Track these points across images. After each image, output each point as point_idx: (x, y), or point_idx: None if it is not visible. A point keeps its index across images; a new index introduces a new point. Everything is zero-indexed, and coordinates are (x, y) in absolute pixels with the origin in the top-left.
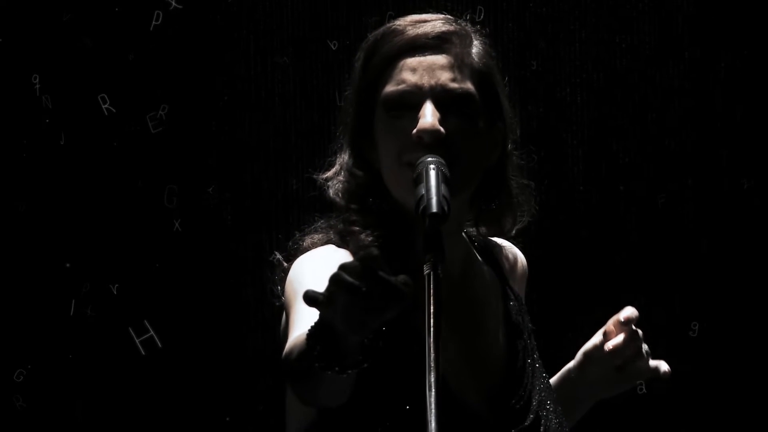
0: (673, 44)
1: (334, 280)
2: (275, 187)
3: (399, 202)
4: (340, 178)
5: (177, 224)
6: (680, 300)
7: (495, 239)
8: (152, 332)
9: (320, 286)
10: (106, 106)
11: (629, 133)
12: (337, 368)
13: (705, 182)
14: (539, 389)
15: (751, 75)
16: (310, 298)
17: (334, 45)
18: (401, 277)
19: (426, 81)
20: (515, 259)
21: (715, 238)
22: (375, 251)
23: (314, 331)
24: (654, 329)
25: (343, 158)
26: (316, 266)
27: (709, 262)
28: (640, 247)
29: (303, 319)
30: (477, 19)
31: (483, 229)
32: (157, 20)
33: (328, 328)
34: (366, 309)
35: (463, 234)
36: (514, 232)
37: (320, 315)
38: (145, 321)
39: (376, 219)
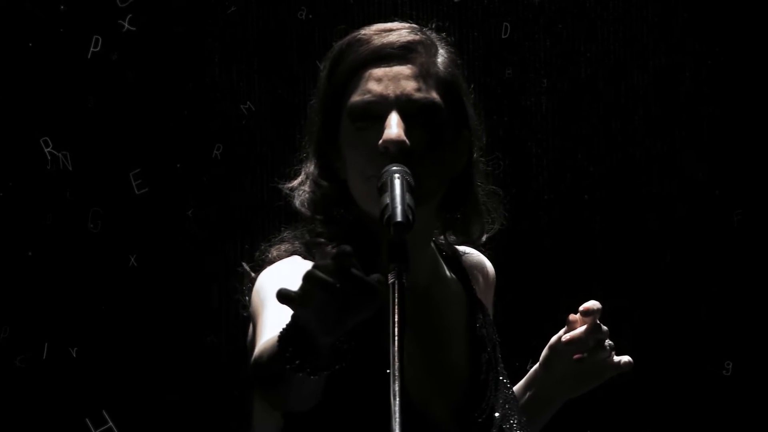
0: (637, 53)
1: (309, 277)
2: (241, 196)
3: (365, 212)
4: (306, 188)
5: (131, 261)
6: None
7: (463, 248)
8: (110, 423)
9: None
10: (49, 149)
11: (594, 142)
12: (308, 370)
13: (671, 192)
14: (503, 402)
15: (715, 83)
16: (284, 296)
17: (304, 16)
18: (375, 276)
19: (391, 91)
20: (483, 268)
21: (679, 247)
22: (348, 248)
23: (286, 333)
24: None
25: (309, 168)
26: (282, 277)
27: (671, 273)
28: (605, 256)
29: (272, 326)
30: (443, 26)
31: (452, 238)
32: (95, 47)
33: (300, 330)
34: (341, 308)
35: (432, 244)
36: (483, 239)
37: (293, 316)
38: (103, 411)
39: (341, 230)
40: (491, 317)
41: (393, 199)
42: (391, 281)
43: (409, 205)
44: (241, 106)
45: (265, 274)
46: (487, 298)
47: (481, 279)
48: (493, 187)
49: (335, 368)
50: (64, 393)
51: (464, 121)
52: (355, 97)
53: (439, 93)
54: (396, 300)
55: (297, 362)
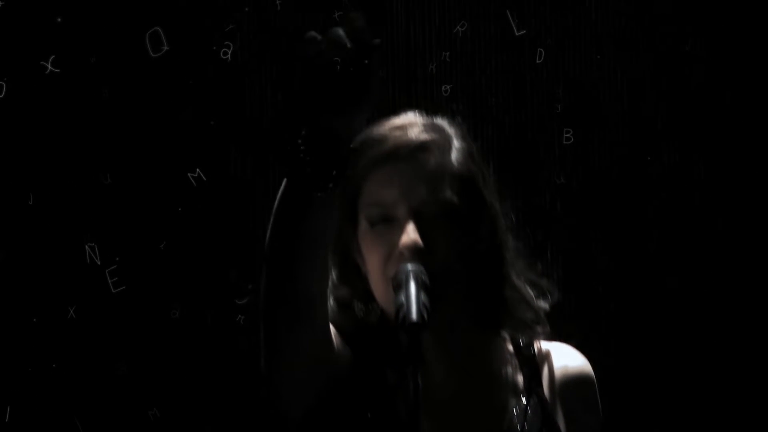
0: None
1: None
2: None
3: (386, 311)
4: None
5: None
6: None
7: (553, 344)
8: None
9: None
10: None
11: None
12: (312, 172)
13: (674, 196)
14: None
15: (719, 84)
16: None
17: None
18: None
19: (406, 195)
20: (563, 365)
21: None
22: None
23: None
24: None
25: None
26: None
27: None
28: (608, 271)
29: None
30: (456, 109)
31: (540, 330)
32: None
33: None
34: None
35: (504, 334)
36: (542, 315)
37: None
38: None
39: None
40: (551, 412)
41: (408, 298)
42: (407, 380)
43: (424, 304)
44: (190, 175)
45: None
46: (566, 396)
47: (556, 375)
48: (528, 263)
49: (336, 182)
50: None
51: (484, 209)
52: (372, 202)
53: (454, 191)
54: (413, 398)
55: (303, 154)
